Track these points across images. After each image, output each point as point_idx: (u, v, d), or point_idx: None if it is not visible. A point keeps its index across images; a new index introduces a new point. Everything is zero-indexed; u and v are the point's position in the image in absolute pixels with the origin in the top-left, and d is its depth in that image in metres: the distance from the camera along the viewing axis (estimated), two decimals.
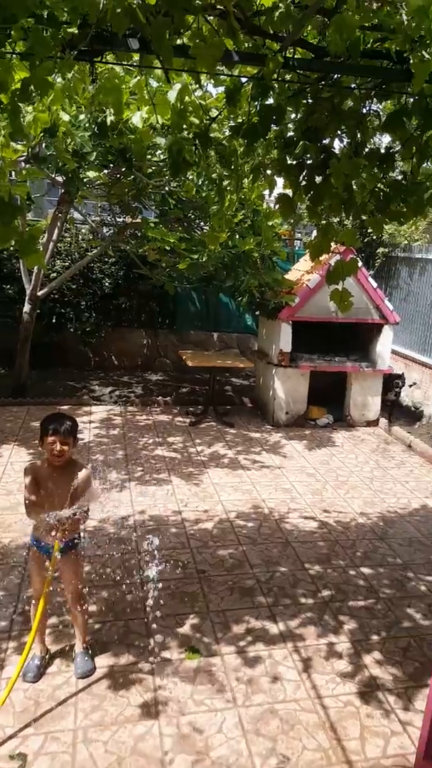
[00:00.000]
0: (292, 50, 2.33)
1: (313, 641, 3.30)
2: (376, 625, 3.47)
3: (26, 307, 7.45)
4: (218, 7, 2.03)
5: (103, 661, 3.04)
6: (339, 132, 2.58)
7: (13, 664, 2.94)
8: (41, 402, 7.46)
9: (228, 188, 3.60)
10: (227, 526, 4.60)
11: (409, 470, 6.11)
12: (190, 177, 5.86)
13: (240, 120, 2.78)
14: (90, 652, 3.05)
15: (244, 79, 2.64)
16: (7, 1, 1.85)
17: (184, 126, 2.95)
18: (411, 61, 1.84)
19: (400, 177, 2.77)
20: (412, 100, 2.35)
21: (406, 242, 8.70)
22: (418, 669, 3.11)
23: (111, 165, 5.74)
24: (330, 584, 3.87)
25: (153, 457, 5.97)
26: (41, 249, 3.94)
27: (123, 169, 5.84)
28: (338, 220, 3.16)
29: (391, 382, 7.76)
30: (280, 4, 2.06)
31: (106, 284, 8.90)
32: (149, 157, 5.65)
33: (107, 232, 8.53)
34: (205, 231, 6.82)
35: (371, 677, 3.05)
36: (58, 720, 2.68)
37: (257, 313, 8.22)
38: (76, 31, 2.12)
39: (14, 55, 2.20)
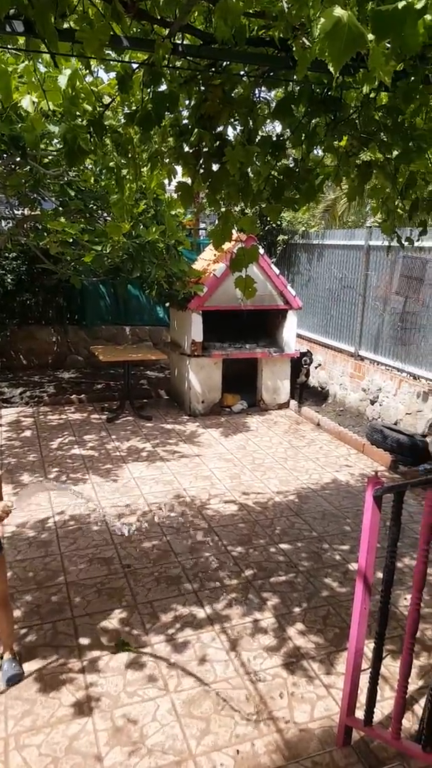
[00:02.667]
0: (181, 36, 2.33)
1: (239, 620, 3.38)
2: (297, 598, 3.61)
3: None
4: None
5: (32, 666, 2.96)
6: (231, 119, 2.62)
7: None
8: None
9: (127, 177, 3.56)
10: (150, 518, 4.59)
11: (318, 447, 6.39)
12: (89, 166, 5.73)
13: (134, 107, 2.75)
14: (18, 658, 2.95)
15: (135, 66, 2.62)
16: None
17: (77, 113, 2.88)
18: (293, 49, 1.90)
19: (292, 164, 2.86)
20: (299, 87, 2.43)
21: (304, 229, 9.01)
22: (338, 634, 3.28)
23: (4, 155, 5.48)
24: (252, 563, 3.98)
25: (69, 457, 5.83)
26: None
27: (18, 159, 5.60)
28: (240, 208, 3.21)
29: (300, 362, 8.06)
30: None
31: (9, 280, 8.53)
32: (44, 146, 5.46)
33: (5, 225, 8.16)
34: (108, 221, 6.69)
35: (295, 647, 3.18)
36: None
37: (167, 304, 8.21)
38: None
39: None
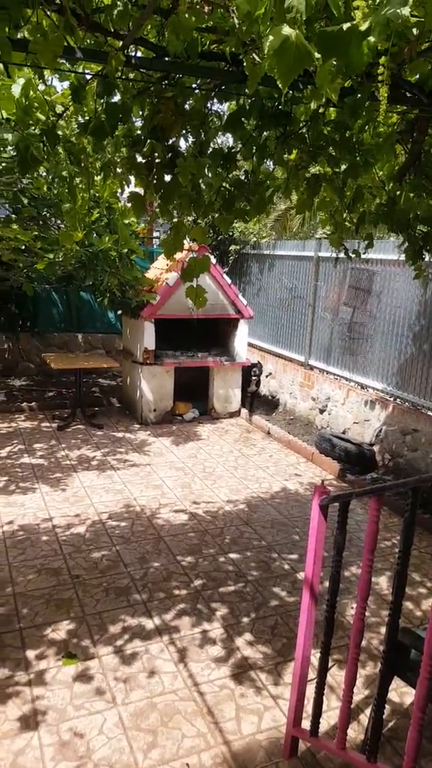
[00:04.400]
0: (134, 49, 2.36)
1: (188, 631, 3.38)
2: (245, 608, 3.64)
3: None
4: (56, 1, 2.00)
5: None
6: (184, 131, 2.66)
7: None
8: None
9: (79, 186, 3.54)
10: (100, 527, 4.54)
11: (269, 456, 6.47)
12: (43, 174, 5.66)
13: (87, 117, 2.76)
14: None
15: (89, 76, 2.63)
16: None
17: (31, 122, 2.86)
18: (244, 64, 1.96)
19: (243, 176, 2.93)
20: (250, 101, 2.49)
21: (255, 239, 9.16)
22: (285, 644, 3.31)
23: None
24: (201, 573, 3.98)
25: (18, 466, 5.70)
26: None
27: None
28: (192, 218, 3.26)
29: (250, 372, 8.17)
30: (118, 2, 2.08)
31: None
32: None
33: None
34: (61, 229, 6.62)
35: (243, 658, 3.19)
36: None
37: (120, 312, 8.17)
38: None
39: None
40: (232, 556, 4.25)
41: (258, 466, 6.13)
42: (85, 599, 3.60)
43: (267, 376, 8.59)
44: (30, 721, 2.66)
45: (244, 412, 7.85)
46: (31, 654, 3.09)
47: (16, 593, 3.61)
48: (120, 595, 3.66)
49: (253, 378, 8.34)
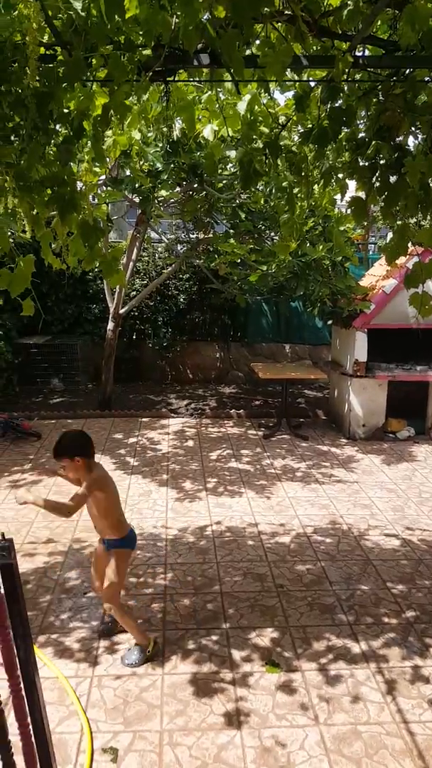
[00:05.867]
0: (361, 48, 2.29)
1: (397, 663, 3.14)
2: None
3: (110, 325, 7.77)
4: (286, 12, 2.04)
5: (186, 668, 3.06)
6: (413, 128, 2.50)
7: (104, 662, 3.07)
8: (124, 414, 7.74)
9: (298, 195, 3.58)
10: (304, 540, 4.50)
11: None
12: (260, 188, 5.89)
13: (309, 125, 2.77)
14: (144, 651, 3.13)
15: (312, 84, 2.63)
16: (89, 32, 1.95)
17: (254, 136, 2.97)
18: None
19: None
20: None
21: None
22: None
23: (183, 182, 5.88)
24: (414, 605, 3.68)
25: (227, 469, 5.97)
26: (122, 269, 4.08)
27: (195, 186, 5.97)
28: (415, 220, 3.05)
29: None
30: (349, 2, 2.04)
31: (181, 300, 9.11)
32: (219, 171, 5.75)
33: (181, 249, 8.74)
34: (275, 241, 6.82)
35: None
36: (145, 721, 2.72)
37: (330, 322, 8.09)
38: (150, 53, 2.19)
39: (95, 83, 2.30)
40: None
41: None
42: (289, 610, 3.58)
43: None
44: (233, 720, 2.72)
45: None
46: (236, 654, 3.17)
47: (224, 592, 3.75)
48: (324, 612, 3.57)
49: None
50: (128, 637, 3.24)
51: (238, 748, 2.56)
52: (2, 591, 1.82)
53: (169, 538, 4.48)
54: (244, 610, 3.57)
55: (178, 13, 1.97)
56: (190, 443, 6.77)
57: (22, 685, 1.96)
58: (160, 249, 9.30)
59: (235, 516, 4.89)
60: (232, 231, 6.89)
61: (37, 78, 2.04)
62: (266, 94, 3.08)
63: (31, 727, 2.02)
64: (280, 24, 2.14)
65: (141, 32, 2.10)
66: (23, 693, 1.97)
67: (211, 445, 6.74)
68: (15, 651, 1.92)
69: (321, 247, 6.02)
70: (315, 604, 3.65)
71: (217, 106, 3.22)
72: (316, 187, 3.53)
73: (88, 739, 2.61)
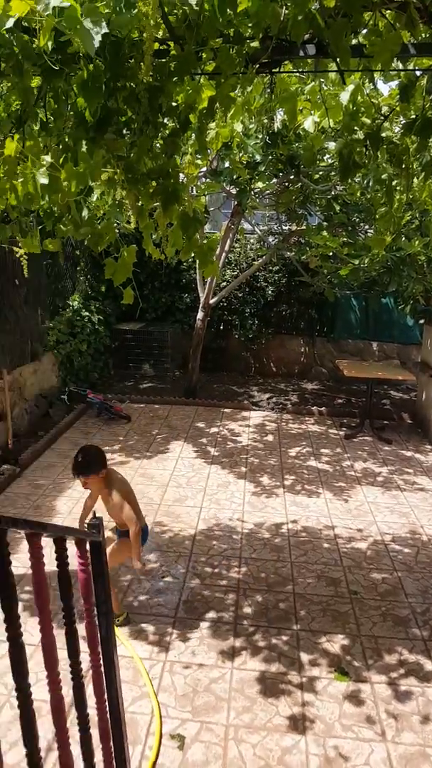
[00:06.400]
0: None
1: None
2: None
3: (199, 315, 7.91)
4: None
5: (255, 665, 3.12)
6: None
7: (176, 648, 3.18)
8: (208, 404, 7.89)
9: (397, 188, 3.45)
10: (382, 548, 4.41)
11: None
12: (357, 179, 5.73)
13: (413, 116, 2.67)
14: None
15: (418, 73, 2.53)
16: (201, 26, 1.98)
17: (356, 127, 2.90)
18: None
19: None
20: None
21: None
22: None
23: (280, 173, 5.83)
24: None
25: (305, 468, 5.94)
26: (215, 260, 4.15)
27: (291, 177, 5.91)
28: None
29: None
30: None
31: (269, 292, 9.08)
32: (317, 162, 5.65)
33: (273, 240, 8.70)
34: (369, 234, 6.62)
35: None
36: (212, 712, 2.80)
37: (422, 321, 7.77)
38: (258, 45, 2.19)
39: (202, 76, 2.33)
40: None
41: None
42: (361, 618, 3.54)
43: None
44: (298, 724, 2.75)
45: None
46: (304, 657, 3.19)
47: (296, 593, 3.77)
48: (398, 625, 3.50)
49: None
50: (201, 627, 3.34)
51: (301, 754, 2.59)
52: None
53: (244, 531, 4.54)
54: (315, 613, 3.57)
55: (288, 4, 1.95)
56: (270, 438, 6.79)
57: (102, 662, 2.08)
58: (252, 240, 9.29)
59: (311, 516, 4.87)
60: (325, 223, 6.76)
61: (150, 73, 2.10)
62: (370, 84, 2.98)
63: (107, 704, 2.14)
64: (388, 11, 2.07)
65: (250, 24, 2.10)
66: (102, 669, 2.09)
67: (291, 441, 6.72)
68: (98, 628, 2.03)
69: (417, 242, 5.78)
70: (389, 615, 3.59)
71: (319, 97, 3.17)
72: (415, 179, 3.40)
73: (158, 722, 2.73)
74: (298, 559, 4.17)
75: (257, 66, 2.21)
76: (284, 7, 2.02)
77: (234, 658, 3.16)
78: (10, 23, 1.63)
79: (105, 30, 1.68)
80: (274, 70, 2.49)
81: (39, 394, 7.03)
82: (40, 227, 3.23)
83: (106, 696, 2.13)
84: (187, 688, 2.95)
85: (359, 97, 2.82)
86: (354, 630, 3.44)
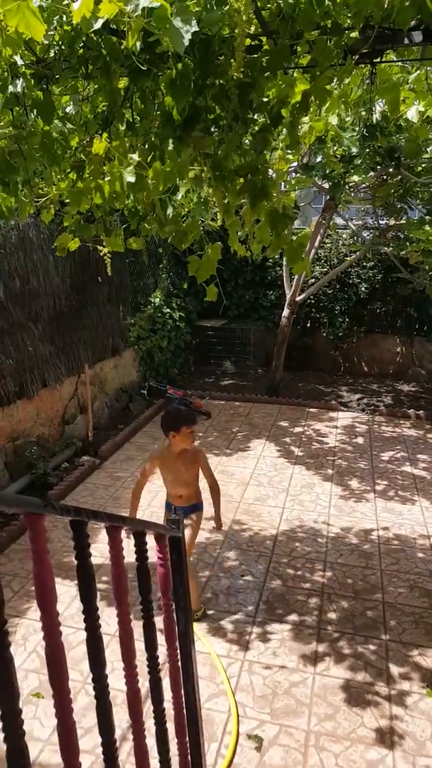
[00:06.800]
0: None
1: None
2: None
3: (285, 312, 7.82)
4: None
5: (339, 672, 3.01)
6: None
7: (255, 648, 3.15)
8: (292, 402, 7.76)
9: None
10: None
11: None
12: None
13: None
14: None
15: None
16: (296, 19, 1.93)
17: None
18: None
19: None
20: None
21: None
22: None
23: (378, 166, 5.62)
24: None
25: (399, 473, 5.68)
26: (305, 256, 4.06)
27: (390, 170, 5.67)
28: None
29: None
30: None
31: (362, 289, 8.78)
32: (420, 153, 5.38)
33: (368, 235, 8.41)
34: None
35: None
36: (292, 716, 2.74)
37: None
38: (357, 35, 2.10)
39: (296, 70, 2.28)
40: None
41: None
42: None
43: None
44: (386, 738, 2.62)
45: None
46: (394, 670, 3.04)
47: (386, 602, 3.60)
48: None
49: None
50: (282, 628, 3.29)
51: None
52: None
53: (330, 535, 4.42)
54: (407, 624, 3.40)
55: None
56: (360, 440, 6.56)
57: (179, 657, 2.09)
58: (344, 236, 9.04)
59: (405, 524, 4.64)
60: (428, 217, 6.41)
61: (241, 69, 2.08)
62: None
63: (183, 699, 2.14)
64: None
65: (349, 14, 2.02)
66: (179, 664, 2.09)
67: (384, 444, 6.45)
68: (176, 623, 2.03)
69: None
70: None
71: (425, 86, 3.00)
72: None
73: (235, 721, 2.71)
74: (389, 568, 3.99)
75: (356, 57, 2.13)
76: None
77: (317, 663, 3.08)
78: (98, 25, 1.66)
79: (195, 28, 1.68)
80: (375, 60, 2.39)
81: (119, 389, 7.27)
82: (124, 226, 3.32)
83: (182, 691, 2.13)
84: (266, 690, 2.91)
85: None
86: None
